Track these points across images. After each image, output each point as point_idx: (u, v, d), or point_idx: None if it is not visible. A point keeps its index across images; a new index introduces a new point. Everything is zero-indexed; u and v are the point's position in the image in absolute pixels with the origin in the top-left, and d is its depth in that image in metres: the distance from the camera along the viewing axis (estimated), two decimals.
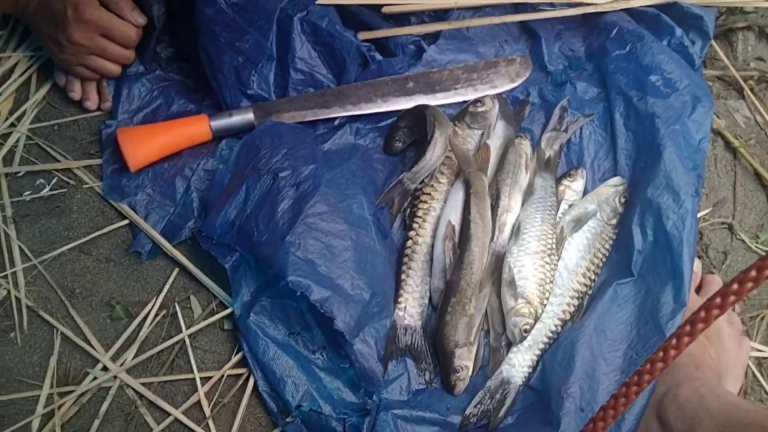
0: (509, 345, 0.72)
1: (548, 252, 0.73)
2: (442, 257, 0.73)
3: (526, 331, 0.70)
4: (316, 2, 0.81)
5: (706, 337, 0.72)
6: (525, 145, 0.80)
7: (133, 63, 0.82)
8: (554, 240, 0.74)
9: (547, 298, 0.72)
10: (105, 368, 0.70)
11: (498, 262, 0.73)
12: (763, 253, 0.82)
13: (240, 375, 0.71)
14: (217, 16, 0.75)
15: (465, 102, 0.84)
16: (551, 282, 0.72)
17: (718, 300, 0.41)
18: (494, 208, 0.75)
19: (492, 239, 0.73)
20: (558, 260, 0.73)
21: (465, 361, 0.69)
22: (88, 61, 0.79)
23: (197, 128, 0.79)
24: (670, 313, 0.68)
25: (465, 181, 0.75)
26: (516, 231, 0.74)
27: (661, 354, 0.44)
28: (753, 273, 0.39)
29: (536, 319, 0.71)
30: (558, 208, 0.77)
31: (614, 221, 0.76)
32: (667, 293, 0.69)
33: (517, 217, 0.75)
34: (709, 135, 0.76)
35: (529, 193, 0.76)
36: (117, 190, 0.77)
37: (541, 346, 0.71)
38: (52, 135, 0.81)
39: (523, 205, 0.76)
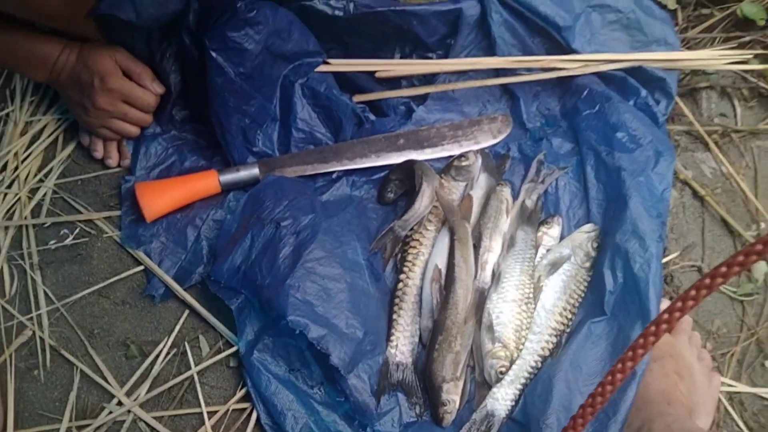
0: None
1: (525, 300, 0.79)
2: (430, 298, 0.80)
3: (501, 372, 0.75)
4: (315, 70, 0.90)
5: (677, 373, 0.76)
6: (506, 192, 0.87)
7: (150, 125, 0.90)
8: (531, 289, 0.80)
9: (523, 343, 0.77)
10: (120, 403, 0.76)
11: (481, 298, 0.79)
12: (731, 295, 0.88)
13: (244, 409, 0.76)
14: (227, 84, 0.84)
15: (451, 157, 0.92)
16: (527, 328, 0.78)
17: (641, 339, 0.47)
18: (477, 248, 0.82)
19: (475, 277, 0.80)
20: (535, 308, 0.79)
21: (452, 395, 0.75)
22: (110, 123, 0.87)
23: (207, 182, 0.86)
24: None
25: (450, 228, 0.83)
26: (496, 279, 0.80)
27: (604, 386, 0.50)
28: (679, 304, 0.45)
29: (512, 362, 0.76)
30: (535, 259, 0.83)
31: (588, 264, 0.82)
32: (636, 330, 0.74)
33: (497, 263, 0.82)
34: (671, 185, 0.83)
35: (510, 244, 0.83)
36: (134, 238, 0.85)
37: (523, 380, 0.77)
38: (76, 189, 0.90)
39: (503, 251, 0.83)
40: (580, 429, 0.53)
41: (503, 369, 0.76)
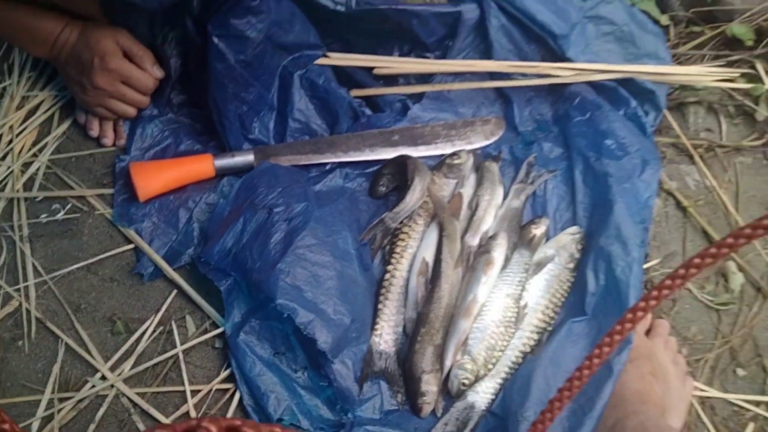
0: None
1: (505, 323, 0.79)
2: (415, 290, 0.81)
3: (464, 384, 0.76)
4: (315, 62, 0.91)
5: (652, 375, 0.78)
6: (493, 165, 0.90)
7: (148, 107, 0.91)
8: (515, 314, 0.79)
9: (493, 364, 0.78)
10: (103, 377, 0.76)
11: (469, 257, 0.82)
12: (708, 303, 0.91)
13: (227, 390, 0.77)
14: (227, 70, 0.85)
15: (443, 155, 0.93)
16: (501, 351, 0.78)
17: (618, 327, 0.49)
18: (471, 217, 0.86)
19: (464, 236, 0.83)
20: (514, 333, 0.79)
21: (431, 386, 0.76)
22: (108, 103, 0.88)
23: (202, 166, 0.87)
24: (617, 350, 0.75)
25: (439, 224, 0.84)
26: (480, 297, 0.79)
27: (578, 373, 0.51)
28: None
29: (477, 377, 0.76)
30: (525, 284, 0.82)
31: (571, 265, 0.84)
32: None
33: (486, 231, 0.85)
34: (656, 193, 0.86)
35: (504, 266, 0.82)
36: (126, 217, 0.85)
37: (503, 375, 0.78)
38: (70, 166, 0.90)
39: (495, 220, 0.87)
40: (557, 412, 0.55)
41: (466, 381, 0.76)
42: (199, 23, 0.86)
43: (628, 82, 0.95)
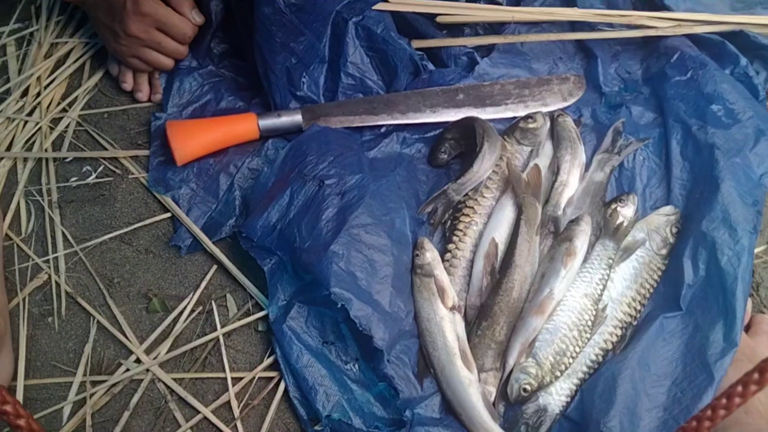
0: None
1: (580, 327, 0.68)
2: (480, 274, 0.71)
3: (525, 390, 0.66)
4: (372, 8, 0.80)
5: None
6: (567, 121, 0.80)
7: (186, 57, 0.82)
8: (591, 317, 0.69)
9: (561, 371, 0.68)
10: (138, 360, 0.69)
11: (554, 224, 0.74)
12: None
13: (271, 378, 0.70)
14: (275, 15, 0.75)
15: (514, 118, 0.82)
16: (572, 357, 0.68)
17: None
18: (553, 182, 0.76)
19: (545, 205, 0.75)
20: (590, 338, 0.69)
21: (489, 386, 0.67)
22: (142, 53, 0.79)
23: (245, 126, 0.78)
24: (720, 353, 0.65)
25: (518, 205, 0.74)
26: (557, 295, 0.69)
27: (694, 423, 0.40)
28: None
29: (540, 384, 0.67)
30: (606, 282, 0.71)
31: (664, 251, 0.73)
32: (717, 331, 0.66)
33: (572, 197, 0.76)
34: None
35: (585, 258, 0.71)
36: (162, 182, 0.77)
37: (580, 375, 0.69)
38: (102, 123, 0.82)
39: (581, 182, 0.77)
40: None
41: (528, 387, 0.66)
42: None
43: (736, 36, 0.82)
